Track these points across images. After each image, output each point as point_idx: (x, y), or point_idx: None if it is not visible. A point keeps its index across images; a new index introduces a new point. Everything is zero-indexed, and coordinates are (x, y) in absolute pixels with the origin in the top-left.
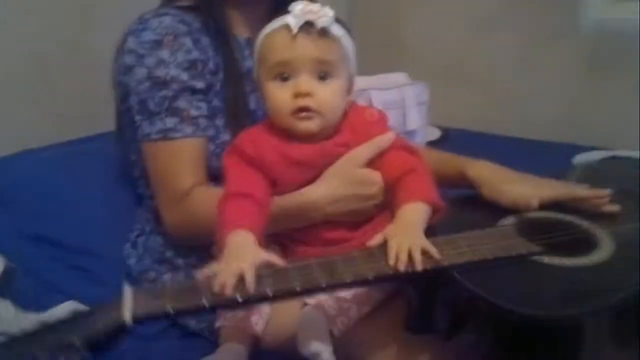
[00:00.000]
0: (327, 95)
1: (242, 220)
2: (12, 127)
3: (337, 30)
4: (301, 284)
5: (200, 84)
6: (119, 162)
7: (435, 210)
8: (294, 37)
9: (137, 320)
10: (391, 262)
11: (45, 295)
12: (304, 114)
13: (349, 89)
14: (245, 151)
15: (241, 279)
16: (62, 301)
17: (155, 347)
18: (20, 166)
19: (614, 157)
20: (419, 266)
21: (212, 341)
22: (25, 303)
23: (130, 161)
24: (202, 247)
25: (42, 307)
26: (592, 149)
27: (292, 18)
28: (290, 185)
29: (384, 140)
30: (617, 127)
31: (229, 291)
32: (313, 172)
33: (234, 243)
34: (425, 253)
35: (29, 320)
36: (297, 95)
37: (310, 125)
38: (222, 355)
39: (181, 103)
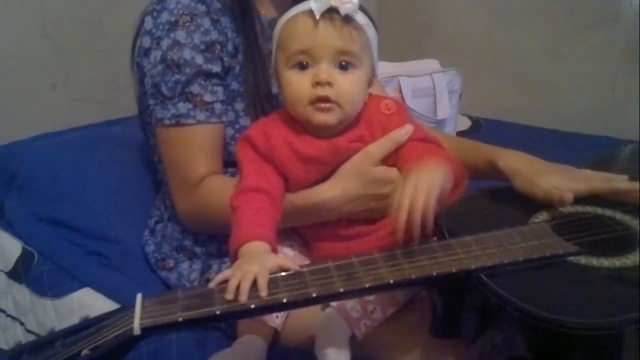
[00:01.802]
0: (347, 86)
1: (256, 227)
2: (29, 111)
3: (361, 18)
4: (318, 290)
5: (216, 68)
6: (140, 147)
7: (455, 185)
8: (316, 23)
9: (145, 331)
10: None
11: (61, 281)
12: (322, 105)
13: (369, 81)
14: (257, 143)
15: (254, 284)
16: (78, 288)
17: (170, 339)
18: (38, 150)
19: None
20: (418, 214)
21: (228, 334)
22: (41, 289)
23: (150, 145)
24: (220, 236)
25: (58, 293)
26: (630, 142)
27: (315, 3)
28: (301, 181)
29: (400, 134)
30: None
31: (242, 298)
32: (325, 169)
33: (247, 250)
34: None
35: (45, 306)
36: (317, 84)
37: (328, 117)
38: (240, 348)
39: (195, 88)
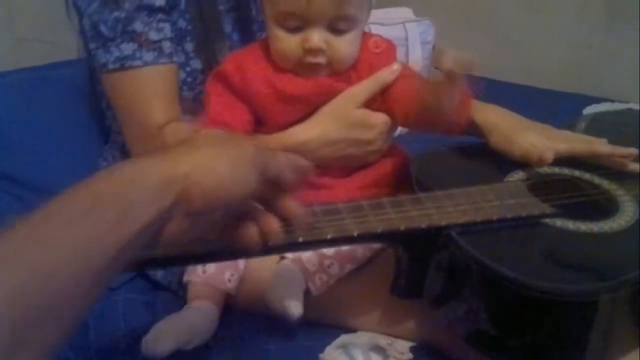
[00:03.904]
0: (342, 48)
1: None
2: None
3: None
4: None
5: (159, 1)
6: (89, 92)
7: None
8: None
9: None
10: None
11: None
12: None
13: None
14: (231, 80)
15: None
16: None
17: (116, 300)
18: None
19: (629, 110)
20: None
21: (181, 296)
22: None
23: (97, 91)
24: None
25: None
26: (603, 100)
27: None
28: (278, 122)
29: (386, 74)
30: (632, 78)
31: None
32: (306, 110)
33: None
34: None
35: None
36: (308, 51)
37: (318, 73)
38: (189, 314)
39: (138, 25)
